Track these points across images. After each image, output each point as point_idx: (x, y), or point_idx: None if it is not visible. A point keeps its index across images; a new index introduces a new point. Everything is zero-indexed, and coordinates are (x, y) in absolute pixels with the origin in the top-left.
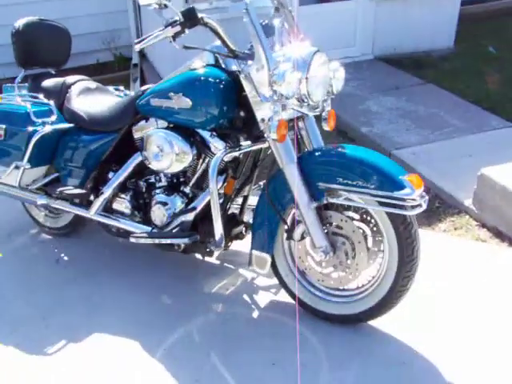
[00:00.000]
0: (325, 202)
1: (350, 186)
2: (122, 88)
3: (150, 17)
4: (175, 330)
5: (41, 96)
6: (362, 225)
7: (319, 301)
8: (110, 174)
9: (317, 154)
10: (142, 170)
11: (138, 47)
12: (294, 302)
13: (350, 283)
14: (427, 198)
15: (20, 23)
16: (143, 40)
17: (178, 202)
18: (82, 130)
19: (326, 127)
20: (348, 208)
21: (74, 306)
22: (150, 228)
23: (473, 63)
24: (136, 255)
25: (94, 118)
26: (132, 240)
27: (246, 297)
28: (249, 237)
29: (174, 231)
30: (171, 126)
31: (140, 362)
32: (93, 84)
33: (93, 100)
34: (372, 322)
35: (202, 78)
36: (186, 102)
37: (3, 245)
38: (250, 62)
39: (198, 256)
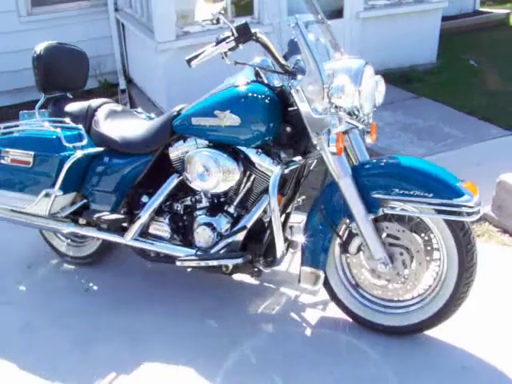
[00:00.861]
0: (381, 213)
1: (407, 196)
2: (140, 110)
3: (134, 42)
4: (229, 353)
5: (67, 120)
6: (414, 235)
7: (375, 313)
8: (144, 198)
9: (369, 165)
10: (178, 192)
11: (193, 64)
12: (344, 317)
13: (407, 294)
14: (483, 203)
15: (40, 48)
16: (196, 57)
17: (224, 222)
18: (114, 153)
19: (369, 140)
20: (398, 219)
21: (115, 337)
22: (193, 250)
23: (457, 76)
24: (169, 280)
25: (128, 140)
26: (178, 263)
27: (294, 315)
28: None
29: (221, 252)
30: (211, 144)
31: None
32: (118, 107)
33: (122, 123)
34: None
35: (250, 95)
36: (235, 120)
37: (25, 277)
38: (299, 76)
39: (236, 277)
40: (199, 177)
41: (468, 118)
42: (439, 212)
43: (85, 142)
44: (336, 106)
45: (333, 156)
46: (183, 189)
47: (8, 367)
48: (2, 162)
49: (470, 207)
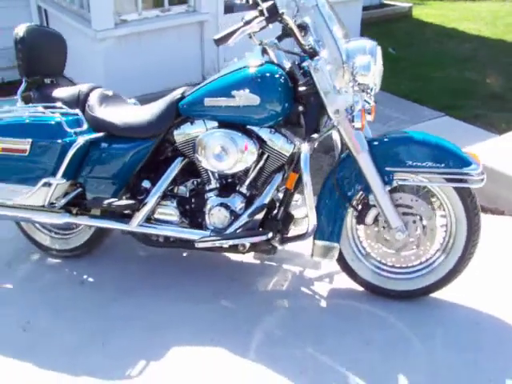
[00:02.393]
0: (395, 184)
1: (420, 168)
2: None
3: (61, 30)
4: (252, 331)
5: (59, 104)
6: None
7: (388, 280)
8: (145, 183)
9: (381, 141)
10: (180, 175)
11: (231, 43)
12: (353, 286)
13: (418, 259)
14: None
15: (22, 30)
16: (226, 37)
17: (238, 202)
18: (113, 138)
19: (369, 118)
20: (402, 189)
21: (130, 326)
22: (205, 232)
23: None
24: (166, 267)
25: (130, 124)
26: (199, 245)
27: (304, 289)
28: None
29: (238, 231)
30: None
31: (236, 368)
32: (109, 91)
33: (118, 107)
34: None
35: (267, 75)
36: (253, 99)
37: (9, 276)
38: (317, 56)
39: (235, 258)
40: (216, 158)
41: (403, 101)
42: (450, 180)
43: (85, 127)
44: (359, 84)
45: (352, 132)
46: (186, 172)
47: (24, 368)
48: None
49: (477, 174)
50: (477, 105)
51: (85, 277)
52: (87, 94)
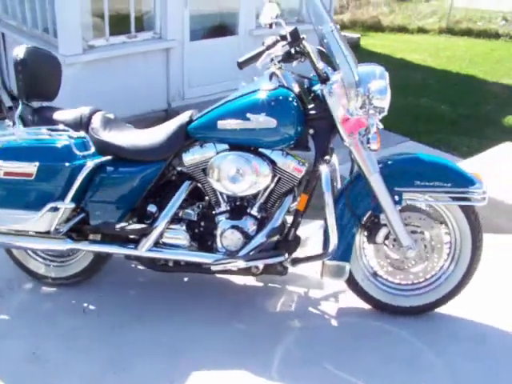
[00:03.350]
0: (404, 204)
1: (428, 188)
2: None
3: None
4: (269, 351)
5: (62, 127)
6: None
7: (396, 297)
8: (150, 207)
9: (391, 161)
10: (188, 199)
11: (259, 65)
12: (360, 304)
13: (425, 275)
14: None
15: (22, 51)
16: (249, 60)
17: (250, 224)
18: (120, 162)
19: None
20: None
21: (143, 353)
22: (216, 255)
23: None
24: (169, 292)
25: (138, 147)
26: (216, 268)
27: (312, 309)
28: None
29: (251, 253)
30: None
31: None
32: (110, 115)
33: (122, 130)
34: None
35: (281, 98)
36: (270, 122)
37: (2, 307)
38: (329, 81)
39: (238, 281)
40: (231, 180)
41: None
42: (456, 199)
43: (92, 150)
44: (374, 107)
45: (364, 153)
46: (192, 195)
47: None
48: None
49: (481, 193)
50: (437, 129)
51: (85, 304)
52: (89, 117)
